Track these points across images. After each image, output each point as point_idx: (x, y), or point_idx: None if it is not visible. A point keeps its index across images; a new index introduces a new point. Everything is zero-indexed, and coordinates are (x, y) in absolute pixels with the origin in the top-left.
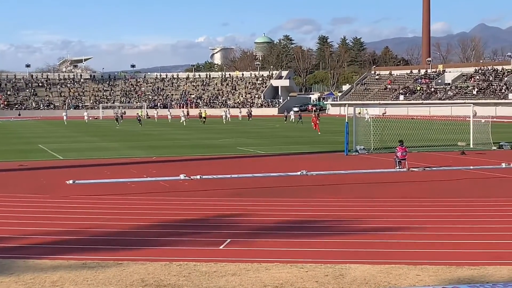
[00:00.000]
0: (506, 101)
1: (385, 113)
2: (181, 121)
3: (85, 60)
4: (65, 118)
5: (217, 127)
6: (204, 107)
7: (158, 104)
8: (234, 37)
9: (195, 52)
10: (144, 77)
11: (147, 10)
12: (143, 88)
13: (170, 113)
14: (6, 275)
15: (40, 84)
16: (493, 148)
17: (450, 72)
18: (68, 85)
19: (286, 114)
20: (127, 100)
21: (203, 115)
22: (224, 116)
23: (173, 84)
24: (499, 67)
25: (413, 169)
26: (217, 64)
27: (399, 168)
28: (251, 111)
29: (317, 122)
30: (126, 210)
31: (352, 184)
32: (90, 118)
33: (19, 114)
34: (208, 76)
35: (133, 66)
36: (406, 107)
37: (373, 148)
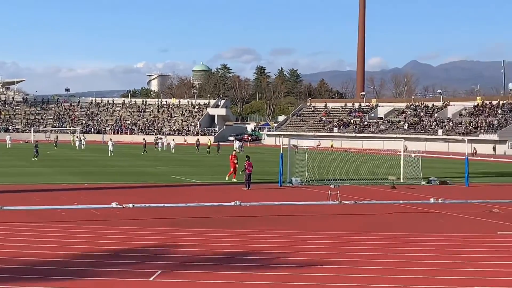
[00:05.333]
0: (436, 136)
1: (319, 145)
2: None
3: (18, 82)
4: (8, 141)
5: (152, 155)
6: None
7: (92, 129)
8: (174, 64)
9: (133, 78)
10: (79, 101)
11: (88, 33)
12: (77, 113)
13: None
14: None
15: None
16: (422, 183)
17: (383, 106)
18: None
19: (218, 144)
20: (59, 124)
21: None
22: (78, 143)
23: (108, 110)
24: (430, 104)
25: (345, 202)
26: (154, 90)
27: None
28: (199, 140)
29: (236, 163)
30: (55, 239)
31: (285, 216)
32: (20, 142)
33: None
34: (144, 102)
35: (67, 90)
36: (340, 140)
37: (307, 180)
